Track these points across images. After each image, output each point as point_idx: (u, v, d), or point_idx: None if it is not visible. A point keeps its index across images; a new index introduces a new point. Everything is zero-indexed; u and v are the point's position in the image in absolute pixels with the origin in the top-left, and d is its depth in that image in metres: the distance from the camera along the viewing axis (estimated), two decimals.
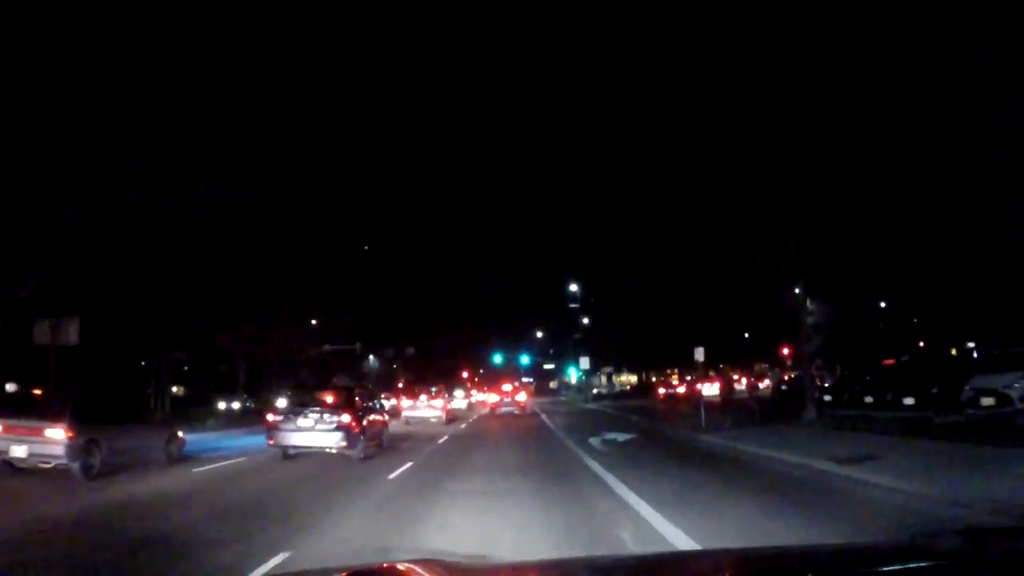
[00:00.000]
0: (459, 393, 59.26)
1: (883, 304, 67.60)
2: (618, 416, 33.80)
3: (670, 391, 43.29)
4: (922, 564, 2.40)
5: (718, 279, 66.56)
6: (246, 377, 37.80)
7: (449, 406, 40.20)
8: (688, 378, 54.27)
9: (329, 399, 19.73)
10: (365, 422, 19.65)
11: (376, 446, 20.13)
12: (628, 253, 66.58)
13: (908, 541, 2.90)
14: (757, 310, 68.69)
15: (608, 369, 53.91)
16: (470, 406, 55.31)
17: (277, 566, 6.44)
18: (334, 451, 18.25)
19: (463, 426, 30.00)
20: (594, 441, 19.49)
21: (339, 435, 18.34)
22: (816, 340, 55.80)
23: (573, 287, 50.01)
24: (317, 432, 18.59)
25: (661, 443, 19.64)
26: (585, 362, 49.30)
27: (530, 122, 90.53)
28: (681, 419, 28.55)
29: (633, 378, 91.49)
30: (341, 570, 2.69)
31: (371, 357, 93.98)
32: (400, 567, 2.54)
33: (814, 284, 53.29)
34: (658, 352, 63.93)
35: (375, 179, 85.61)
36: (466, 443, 21.26)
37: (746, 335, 73.83)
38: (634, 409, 39.23)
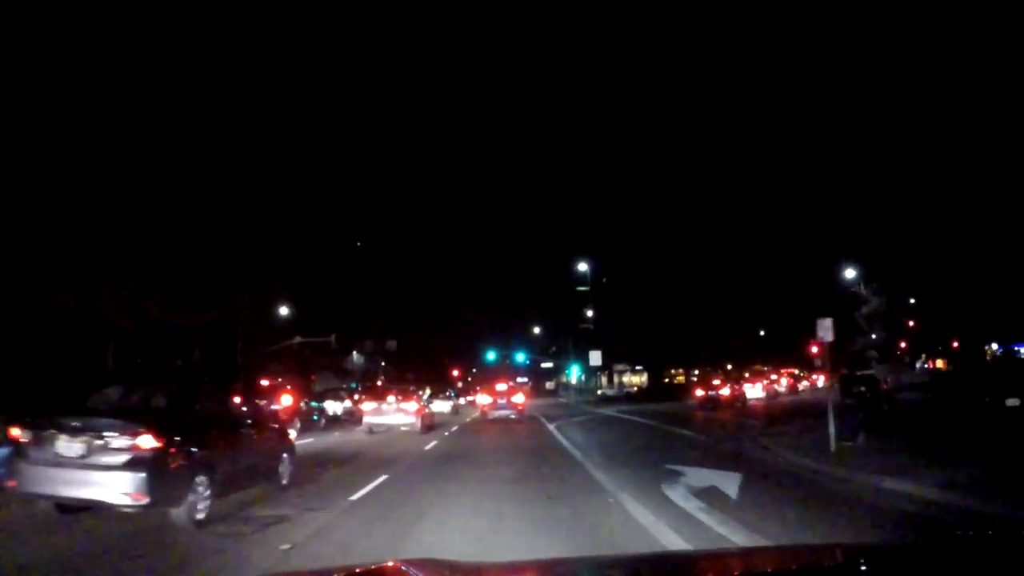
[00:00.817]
0: (446, 392, 49.04)
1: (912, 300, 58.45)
2: (659, 428, 23.43)
3: (710, 393, 33.08)
4: (924, 565, 2.25)
5: (750, 263, 56.99)
6: (113, 362, 26.74)
7: (427, 409, 29.54)
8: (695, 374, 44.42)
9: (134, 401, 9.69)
10: (207, 448, 9.44)
11: (268, 482, 10.04)
12: (648, 232, 56.93)
13: (911, 541, 3.37)
14: (792, 300, 58.88)
15: (621, 367, 43.81)
16: (456, 409, 44.96)
17: None
18: (128, 509, 8.06)
19: (433, 444, 19.12)
20: (676, 493, 9.19)
21: (133, 478, 8.09)
22: (875, 332, 45.83)
23: (582, 266, 39.85)
24: (89, 471, 8.39)
25: (821, 503, 9.13)
26: (596, 357, 38.90)
27: (529, 87, 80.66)
28: (758, 432, 18.54)
29: (636, 379, 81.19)
30: (341, 570, 2.72)
31: (355, 353, 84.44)
32: (400, 567, 2.42)
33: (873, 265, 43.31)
34: (685, 347, 53.85)
35: (359, 156, 76.18)
36: (417, 495, 10.35)
37: (761, 332, 63.94)
38: (666, 416, 28.96)
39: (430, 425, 27.93)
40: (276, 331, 55.75)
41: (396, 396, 27.85)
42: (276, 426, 12.90)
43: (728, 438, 18.78)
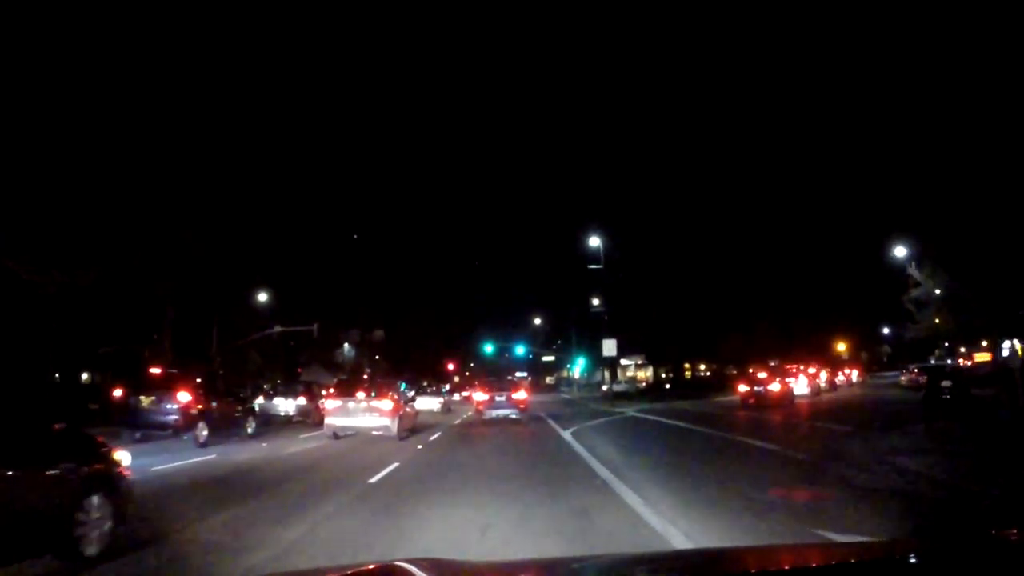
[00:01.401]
0: (434, 386, 42.63)
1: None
2: (719, 439, 16.81)
3: (756, 388, 26.56)
4: (925, 563, 2.11)
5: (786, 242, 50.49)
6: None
7: (407, 408, 22.98)
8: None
9: None
10: None
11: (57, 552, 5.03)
12: (668, 209, 50.32)
13: (912, 539, 3.15)
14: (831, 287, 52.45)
15: (633, 359, 37.35)
16: (447, 406, 38.55)
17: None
18: None
19: (393, 467, 11.59)
20: None
21: None
22: (926, 320, 39.37)
23: (595, 241, 33.30)
24: None
25: None
26: (610, 346, 32.35)
27: (528, 45, 73.85)
28: (863, 445, 12.33)
29: (643, 374, 74.36)
30: (340, 570, 2.48)
31: (346, 345, 78.71)
32: (399, 567, 2.31)
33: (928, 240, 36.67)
34: (708, 337, 47.29)
35: (345, 131, 69.80)
36: None
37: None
38: (710, 419, 22.60)
39: (411, 427, 21.61)
40: (255, 319, 48.54)
41: (366, 392, 21.33)
42: (81, 448, 6.72)
43: (831, 453, 12.45)
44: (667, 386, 57.81)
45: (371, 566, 2.47)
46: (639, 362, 57.35)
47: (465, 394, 56.14)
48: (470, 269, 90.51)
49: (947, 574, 1.98)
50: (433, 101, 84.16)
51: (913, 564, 2.09)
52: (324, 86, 70.35)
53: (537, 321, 74.83)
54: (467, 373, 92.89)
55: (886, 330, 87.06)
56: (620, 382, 72.18)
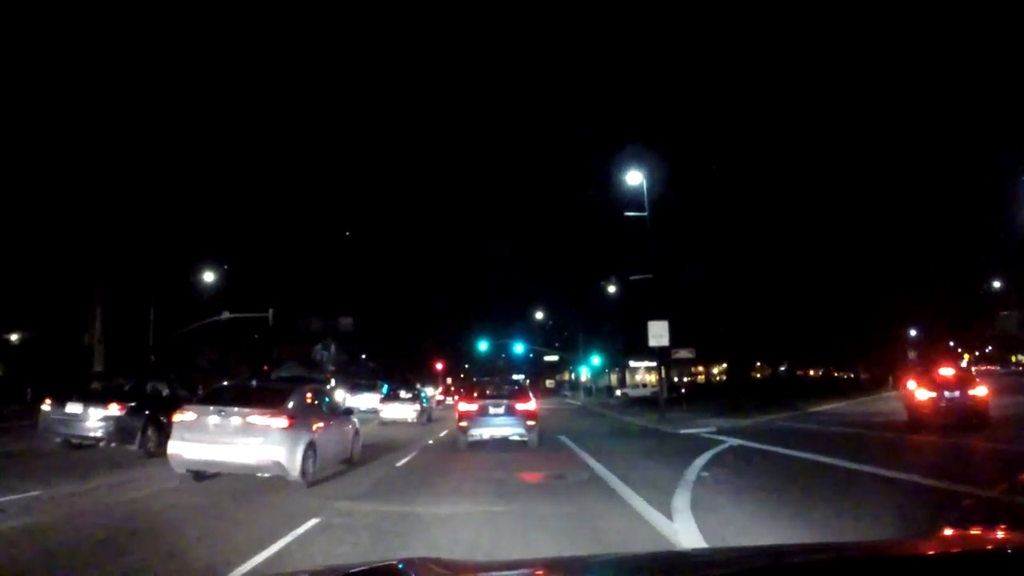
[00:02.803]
0: (410, 388, 31.55)
1: None
2: None
3: (948, 395, 14.93)
4: (925, 562, 2.03)
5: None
6: None
7: (345, 426, 11.74)
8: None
9: None
10: None
11: None
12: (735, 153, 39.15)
13: (911, 537, 2.92)
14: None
15: (686, 352, 26.93)
16: (428, 414, 27.82)
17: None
18: None
19: None
20: None
21: None
22: None
23: (634, 179, 22.07)
24: None
25: None
26: (659, 330, 20.66)
27: None
28: None
29: (652, 377, 63.08)
30: (340, 570, 2.38)
31: (329, 340, 68.93)
32: (400, 566, 2.28)
33: None
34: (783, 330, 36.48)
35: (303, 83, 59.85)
36: None
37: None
38: (962, 463, 11.74)
39: (347, 456, 11.59)
40: (206, 305, 40.87)
41: (252, 398, 10.24)
42: None
43: None
44: (690, 392, 46.97)
45: (374, 566, 2.30)
46: (714, 357, 46.38)
47: (457, 399, 45.68)
48: (465, 257, 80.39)
49: (948, 573, 1.90)
50: (413, 43, 73.11)
51: (914, 564, 2.00)
52: (287, 48, 60.45)
53: (539, 315, 63.84)
54: (461, 375, 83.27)
55: (912, 332, 78.35)
56: (636, 386, 60.99)
